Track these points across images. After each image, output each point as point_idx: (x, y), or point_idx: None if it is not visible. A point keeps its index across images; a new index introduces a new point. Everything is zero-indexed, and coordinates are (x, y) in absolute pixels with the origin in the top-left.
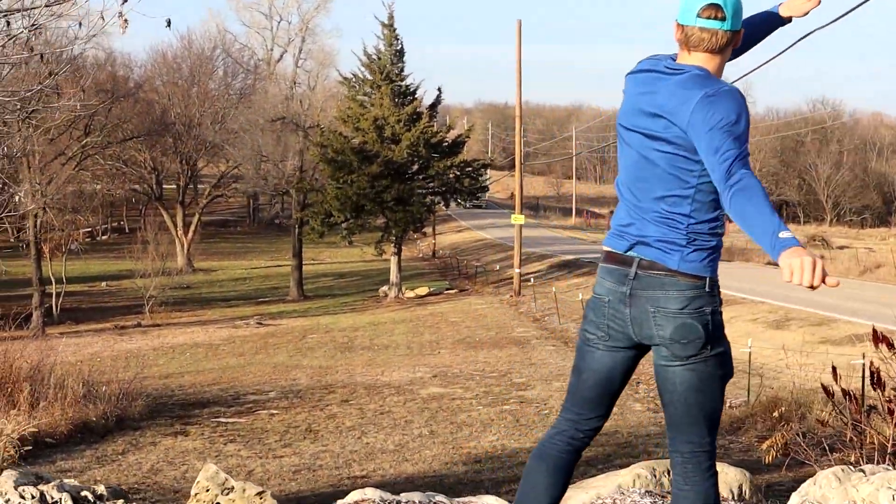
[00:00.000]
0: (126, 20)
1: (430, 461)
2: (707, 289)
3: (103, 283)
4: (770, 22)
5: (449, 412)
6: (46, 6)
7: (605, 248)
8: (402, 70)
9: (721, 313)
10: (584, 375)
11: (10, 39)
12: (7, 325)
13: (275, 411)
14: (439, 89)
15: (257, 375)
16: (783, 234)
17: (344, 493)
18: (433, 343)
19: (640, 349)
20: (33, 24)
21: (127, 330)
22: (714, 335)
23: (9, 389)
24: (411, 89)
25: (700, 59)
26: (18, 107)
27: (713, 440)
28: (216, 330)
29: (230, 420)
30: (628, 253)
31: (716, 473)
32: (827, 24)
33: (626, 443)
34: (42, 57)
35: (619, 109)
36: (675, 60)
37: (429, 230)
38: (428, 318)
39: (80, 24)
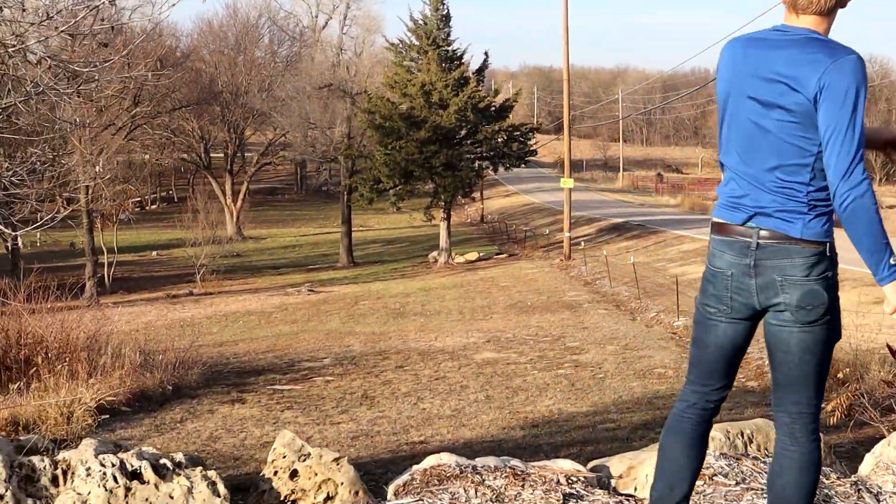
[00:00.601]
0: None
1: (488, 426)
2: (828, 253)
3: (154, 253)
4: None
5: (504, 377)
6: None
7: (718, 221)
8: (448, 35)
9: (837, 275)
10: (710, 349)
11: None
12: (63, 296)
13: (330, 378)
14: (486, 53)
15: (311, 342)
16: (893, 261)
17: (403, 459)
18: (485, 308)
19: (760, 315)
20: None
21: (179, 298)
22: (834, 299)
23: (67, 359)
24: (458, 54)
25: (809, 22)
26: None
27: (819, 402)
28: (268, 297)
29: (286, 387)
30: (747, 224)
31: (820, 436)
32: None
33: None
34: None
35: (721, 80)
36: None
37: (477, 195)
38: (479, 284)
39: None
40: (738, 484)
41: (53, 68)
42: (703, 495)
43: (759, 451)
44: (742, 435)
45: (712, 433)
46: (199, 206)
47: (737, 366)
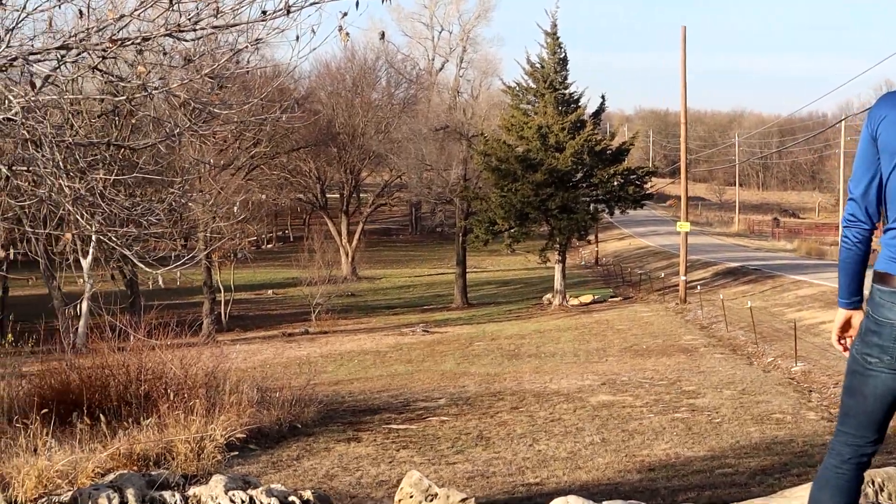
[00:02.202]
0: (347, 33)
1: (604, 469)
2: None
3: (270, 291)
4: None
5: (620, 420)
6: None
7: (884, 272)
8: (565, 78)
9: None
10: (868, 400)
11: (234, 54)
12: (181, 333)
13: (445, 418)
14: (602, 97)
15: (426, 382)
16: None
17: (520, 501)
18: (600, 350)
19: None
20: (257, 39)
21: (294, 337)
22: None
23: (185, 395)
24: (574, 97)
25: None
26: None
27: None
28: (383, 337)
29: (401, 426)
30: None
31: None
32: None
33: (801, 451)
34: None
35: (888, 132)
36: None
37: (592, 238)
38: (593, 326)
39: (298, 37)
40: None
41: (195, 109)
42: None
43: (889, 499)
44: (873, 483)
45: None
46: (314, 246)
47: (891, 417)
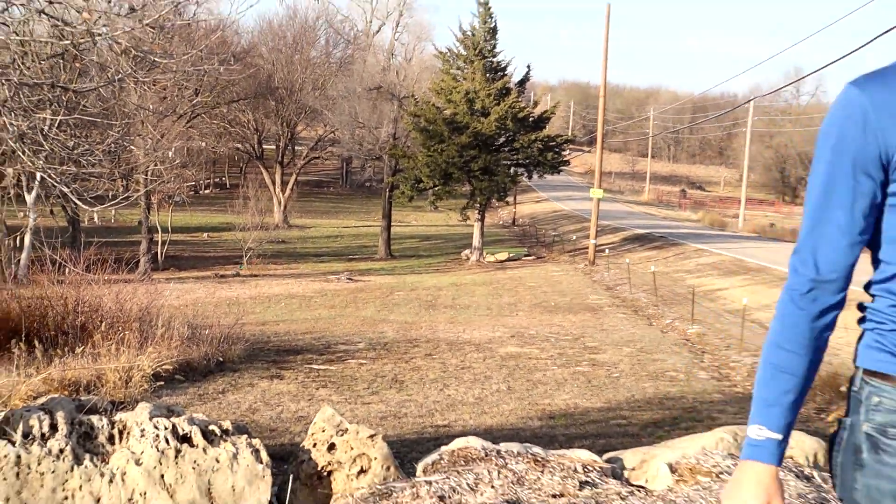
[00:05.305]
0: None
1: (508, 415)
2: None
3: (205, 234)
4: None
5: (525, 370)
6: None
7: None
8: (494, 47)
9: None
10: None
11: (175, 5)
12: (118, 269)
13: (363, 361)
14: (528, 67)
15: (347, 327)
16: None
17: (427, 440)
18: (511, 305)
19: None
20: None
21: (226, 279)
22: None
23: (119, 328)
24: (502, 66)
25: None
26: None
27: None
28: (309, 283)
29: (322, 367)
30: None
31: None
32: None
33: (691, 408)
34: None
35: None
36: None
37: (510, 199)
38: (507, 282)
39: None
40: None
41: (136, 58)
42: (710, 490)
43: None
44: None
45: (721, 434)
46: (249, 194)
47: None
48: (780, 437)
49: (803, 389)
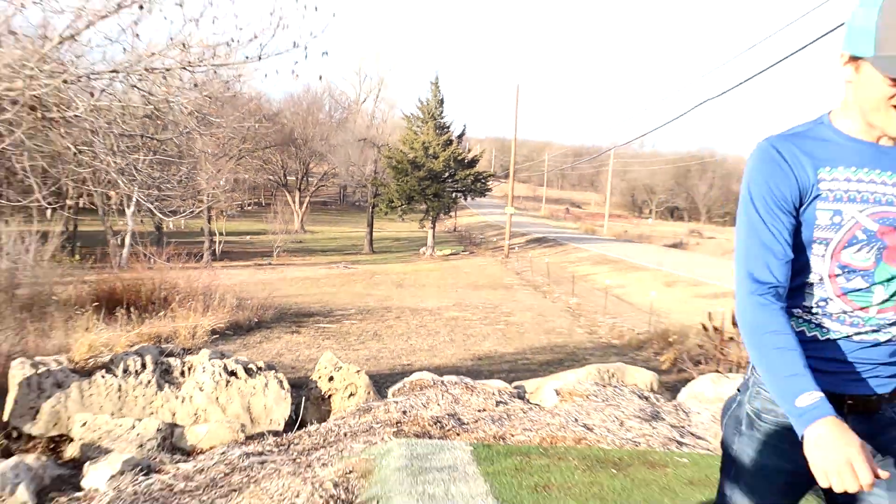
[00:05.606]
0: (297, 75)
1: (451, 357)
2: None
3: (247, 237)
4: None
5: (462, 327)
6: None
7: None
8: (441, 112)
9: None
10: None
11: (222, 85)
12: (189, 260)
13: (354, 322)
14: (464, 126)
15: (343, 299)
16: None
17: (396, 374)
18: (453, 284)
19: None
20: (238, 74)
21: (262, 266)
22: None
23: (189, 300)
24: (447, 125)
25: None
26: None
27: None
28: (318, 270)
29: (326, 325)
30: None
31: None
32: (714, 97)
33: (571, 353)
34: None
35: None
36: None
37: (453, 214)
38: (450, 269)
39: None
40: (603, 401)
41: (199, 118)
42: (582, 406)
43: (618, 382)
44: (608, 371)
45: (590, 369)
46: (277, 210)
47: None
48: (822, 393)
49: (803, 356)
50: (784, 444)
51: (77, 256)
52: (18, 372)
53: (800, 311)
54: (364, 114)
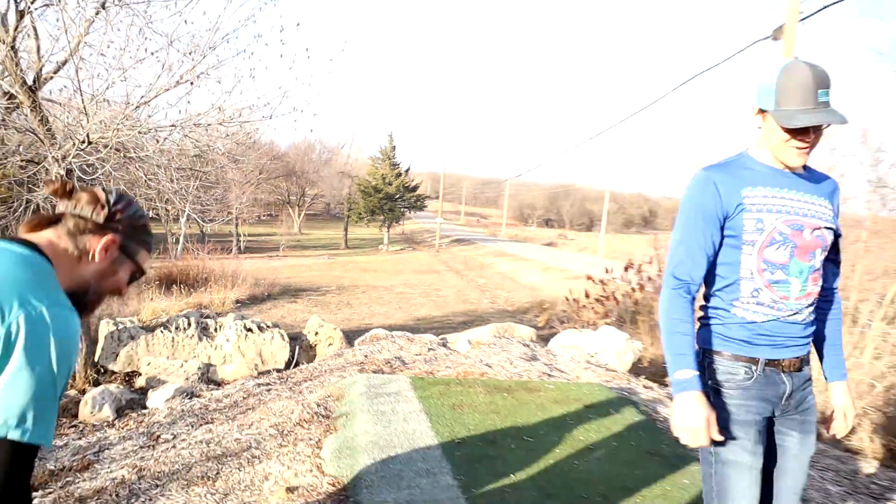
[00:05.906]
0: (311, 130)
1: (398, 318)
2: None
3: (262, 237)
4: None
5: (406, 299)
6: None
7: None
8: (394, 154)
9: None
10: None
11: (245, 135)
12: (222, 252)
13: (333, 294)
14: (410, 165)
15: (326, 279)
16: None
17: (361, 331)
18: (401, 270)
19: None
20: (256, 128)
21: (273, 257)
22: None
23: (222, 280)
24: (398, 163)
25: None
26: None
27: None
28: (309, 259)
29: (315, 297)
30: None
31: None
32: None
33: (480, 316)
34: (254, 142)
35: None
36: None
37: (402, 222)
38: (399, 260)
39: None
40: (500, 348)
41: (230, 157)
42: (485, 351)
43: (509, 335)
44: (503, 328)
45: (490, 327)
46: (282, 219)
47: None
48: (697, 372)
49: (693, 342)
50: (748, 400)
51: None
52: (105, 328)
53: (738, 302)
54: (342, 155)
